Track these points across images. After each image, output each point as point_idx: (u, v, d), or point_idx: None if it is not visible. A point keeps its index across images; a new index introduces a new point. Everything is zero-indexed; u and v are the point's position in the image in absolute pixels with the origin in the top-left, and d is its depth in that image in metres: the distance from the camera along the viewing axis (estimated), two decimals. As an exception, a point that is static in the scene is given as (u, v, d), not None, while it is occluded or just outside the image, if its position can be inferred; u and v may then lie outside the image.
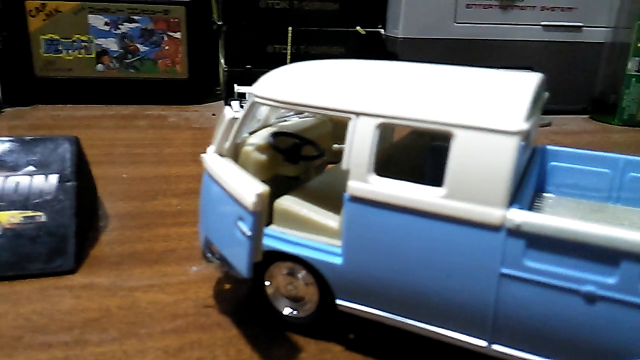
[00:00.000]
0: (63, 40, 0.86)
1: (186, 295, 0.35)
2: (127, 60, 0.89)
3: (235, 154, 0.32)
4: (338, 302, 0.29)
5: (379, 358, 0.29)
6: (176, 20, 0.89)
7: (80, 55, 0.87)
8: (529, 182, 0.30)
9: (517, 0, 0.89)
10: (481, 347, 0.26)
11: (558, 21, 0.90)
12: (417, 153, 0.36)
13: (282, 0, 0.89)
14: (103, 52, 0.88)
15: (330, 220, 0.29)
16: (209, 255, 0.31)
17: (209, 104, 0.93)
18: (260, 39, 0.90)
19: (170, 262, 0.38)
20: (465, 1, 0.88)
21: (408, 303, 0.27)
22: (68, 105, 0.86)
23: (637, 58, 0.86)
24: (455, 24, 0.89)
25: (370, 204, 0.26)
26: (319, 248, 0.29)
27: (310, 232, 0.30)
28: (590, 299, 0.23)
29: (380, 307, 0.28)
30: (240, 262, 0.26)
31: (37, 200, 0.37)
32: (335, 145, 0.39)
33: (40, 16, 0.85)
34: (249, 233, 0.25)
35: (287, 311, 0.31)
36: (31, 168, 0.38)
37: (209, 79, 1.00)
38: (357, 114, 0.26)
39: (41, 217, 0.37)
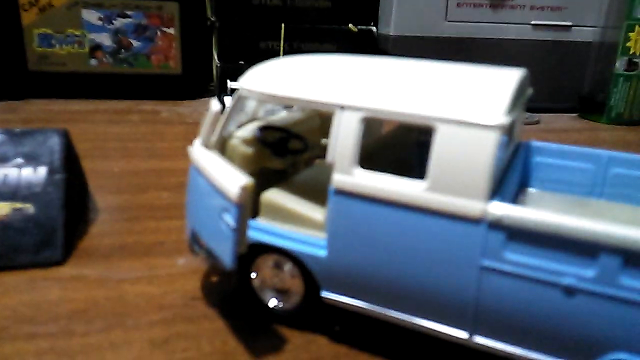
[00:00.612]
0: (56, 34, 0.86)
1: (173, 287, 0.35)
2: (121, 55, 0.89)
3: (222, 147, 0.32)
4: (323, 294, 0.29)
5: (364, 350, 0.30)
6: (170, 15, 0.89)
7: (74, 50, 0.87)
8: (513, 176, 0.31)
9: (507, -1, 0.90)
10: (463, 338, 0.26)
11: (547, 20, 0.91)
12: (405, 146, 0.36)
13: (275, -3, 0.89)
14: (96, 47, 0.88)
15: (316, 213, 0.30)
16: (195, 247, 0.32)
17: (203, 99, 0.93)
18: (254, 35, 0.90)
19: (158, 255, 0.39)
20: (456, 0, 0.88)
21: (391, 295, 0.27)
22: (61, 100, 0.86)
23: (624, 57, 0.87)
24: (446, 22, 0.89)
25: (354, 196, 0.27)
26: (305, 240, 0.29)
27: (296, 224, 0.30)
28: (570, 291, 0.23)
29: (365, 299, 0.28)
30: (225, 254, 0.27)
31: (25, 192, 0.38)
32: (324, 140, 0.40)
33: (33, 10, 0.84)
34: (233, 225, 0.26)
35: (273, 303, 0.32)
36: (20, 160, 0.39)
37: (203, 74, 1.00)
38: (342, 107, 0.27)
39: (30, 208, 0.37)
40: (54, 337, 0.29)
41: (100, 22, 0.87)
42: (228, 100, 0.90)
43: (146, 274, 0.36)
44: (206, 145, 0.31)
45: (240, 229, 0.26)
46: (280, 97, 0.29)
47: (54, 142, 0.40)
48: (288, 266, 0.31)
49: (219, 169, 0.28)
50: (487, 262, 0.24)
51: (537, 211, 0.24)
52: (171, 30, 0.89)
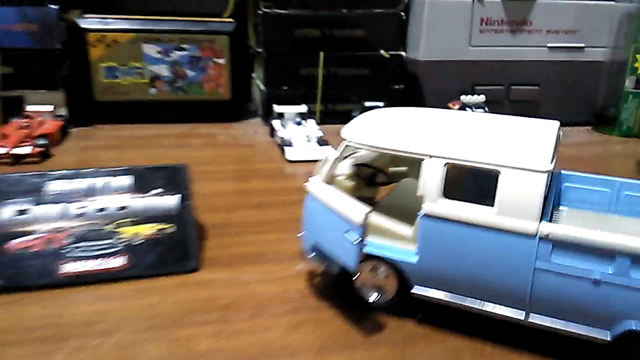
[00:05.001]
0: (120, 67, 0.97)
1: (287, 287, 0.45)
2: (177, 84, 1.00)
3: (330, 181, 0.42)
4: (414, 289, 0.40)
5: (443, 329, 0.40)
6: (221, 47, 0.99)
7: (136, 81, 0.98)
8: (551, 198, 0.41)
9: (525, 25, 1.00)
10: (520, 319, 0.37)
11: (562, 43, 1.02)
12: (475, 178, 0.47)
13: (314, 30, 1.00)
14: (156, 77, 0.99)
15: (405, 230, 0.40)
16: (313, 256, 0.42)
17: (245, 121, 1.04)
18: (295, 63, 1.01)
19: (268, 262, 0.49)
20: (479, 27, 0.99)
21: (468, 289, 0.38)
22: (125, 125, 0.97)
23: (633, 77, 0.97)
24: (470, 47, 1.00)
25: (439, 219, 0.37)
26: (400, 251, 0.40)
27: (390, 238, 0.41)
28: (596, 282, 0.34)
29: (447, 292, 0.39)
30: (350, 261, 0.37)
31: (166, 215, 0.48)
32: (391, 169, 0.50)
33: (100, 46, 0.96)
34: (357, 240, 0.36)
35: (372, 298, 0.42)
36: (160, 190, 0.49)
37: (246, 99, 1.10)
38: (430, 156, 0.37)
39: (171, 228, 0.48)
40: (216, 323, 0.40)
41: (159, 55, 0.98)
42: (276, 123, 1.01)
43: (265, 277, 0.47)
44: (325, 181, 0.41)
45: (362, 242, 0.37)
46: (381, 148, 0.39)
47: (181, 175, 0.51)
48: (382, 270, 0.41)
49: (340, 200, 0.38)
50: (539, 264, 0.35)
51: (574, 228, 0.34)
52: (221, 61, 1.00)
